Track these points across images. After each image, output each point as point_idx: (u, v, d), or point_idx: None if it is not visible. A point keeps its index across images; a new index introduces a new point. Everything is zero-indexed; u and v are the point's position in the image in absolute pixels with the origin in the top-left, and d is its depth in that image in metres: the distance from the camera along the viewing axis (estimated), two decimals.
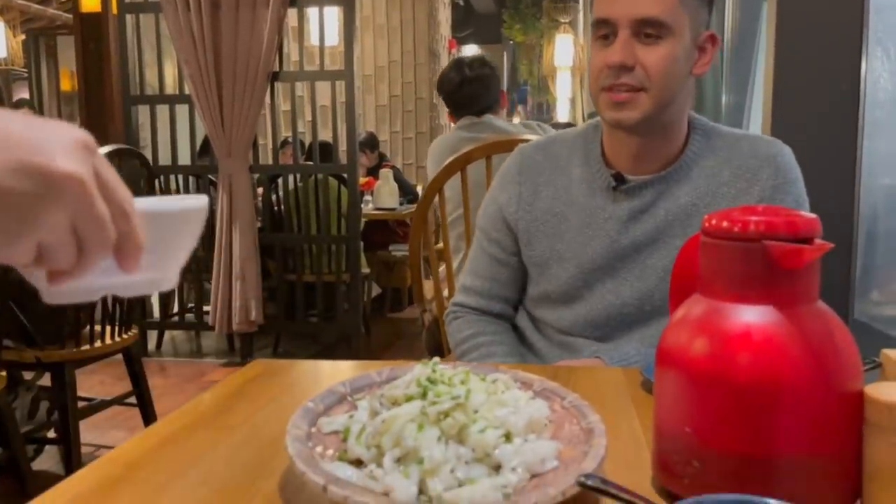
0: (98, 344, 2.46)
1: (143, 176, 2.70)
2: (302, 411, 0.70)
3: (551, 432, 0.69)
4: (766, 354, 0.57)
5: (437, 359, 0.75)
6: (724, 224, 0.61)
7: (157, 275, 0.51)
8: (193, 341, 4.45)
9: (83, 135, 0.43)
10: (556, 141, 1.26)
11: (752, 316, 0.59)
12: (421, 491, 0.61)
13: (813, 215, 0.60)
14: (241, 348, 4.02)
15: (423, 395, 0.66)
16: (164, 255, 0.51)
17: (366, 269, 4.19)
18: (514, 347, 1.25)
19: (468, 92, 2.69)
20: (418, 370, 0.71)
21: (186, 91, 3.85)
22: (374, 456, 0.64)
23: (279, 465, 0.70)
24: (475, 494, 0.59)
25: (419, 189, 5.65)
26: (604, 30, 1.07)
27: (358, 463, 0.65)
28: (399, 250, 4.85)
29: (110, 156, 2.42)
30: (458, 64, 2.78)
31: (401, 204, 4.80)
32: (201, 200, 0.52)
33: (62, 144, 0.41)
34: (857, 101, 1.86)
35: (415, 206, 4.95)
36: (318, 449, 0.66)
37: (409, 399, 0.67)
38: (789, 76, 1.91)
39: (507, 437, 0.65)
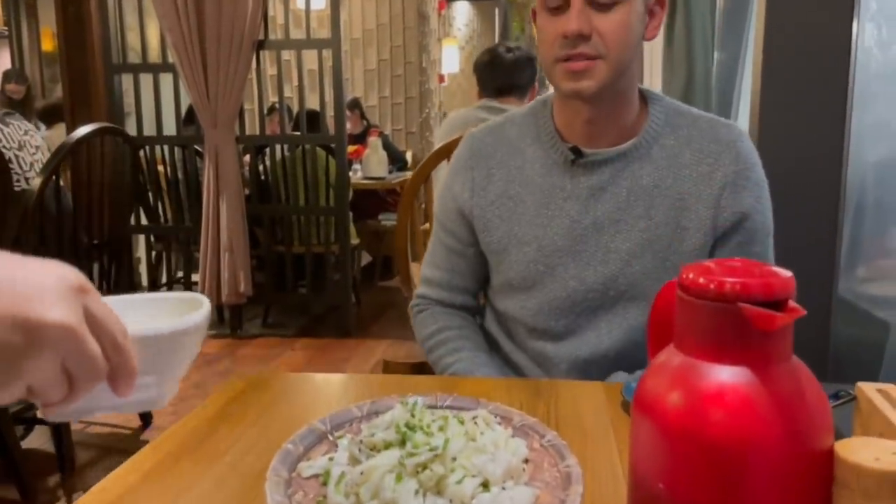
0: None
1: (128, 153, 2.67)
2: (281, 455, 0.71)
3: (529, 474, 0.70)
4: (739, 414, 0.58)
5: (417, 399, 0.76)
6: (701, 281, 0.60)
7: (152, 393, 0.51)
8: None
9: (74, 276, 0.44)
10: (506, 122, 1.23)
11: (725, 375, 0.59)
12: None
13: (788, 274, 0.60)
14: (230, 320, 4.03)
15: (402, 444, 0.67)
16: (160, 374, 0.51)
17: (355, 241, 4.18)
18: (479, 342, 1.25)
19: (497, 73, 2.68)
20: (398, 412, 0.72)
21: (170, 59, 3.78)
22: None
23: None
24: None
25: (408, 155, 5.61)
26: (556, 0, 1.05)
27: None
28: (389, 219, 4.84)
29: (94, 134, 2.39)
30: (498, 46, 2.78)
31: (390, 172, 4.77)
32: (200, 314, 0.52)
33: (52, 291, 0.42)
34: (846, 72, 1.84)
35: (404, 174, 4.93)
36: (298, 496, 0.67)
37: (387, 446, 0.67)
38: (779, 45, 1.88)
39: (485, 485, 0.65)
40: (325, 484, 0.69)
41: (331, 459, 0.71)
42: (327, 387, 1.07)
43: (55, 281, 0.43)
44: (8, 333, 0.40)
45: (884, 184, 2.03)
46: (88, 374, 0.43)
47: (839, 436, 0.82)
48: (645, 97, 1.17)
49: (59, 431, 2.43)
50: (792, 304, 0.58)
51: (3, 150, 2.37)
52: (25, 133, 2.50)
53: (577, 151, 1.13)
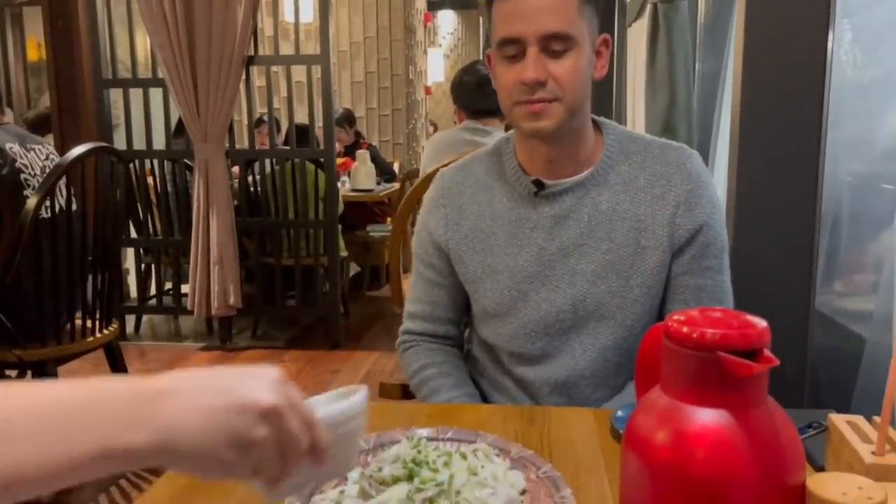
0: (80, 340, 2.48)
1: (121, 172, 2.69)
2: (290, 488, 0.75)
3: None
4: (720, 453, 0.64)
5: (421, 435, 0.81)
6: (684, 330, 0.66)
7: (341, 464, 0.64)
8: (172, 324, 4.47)
9: (276, 372, 0.56)
10: (472, 160, 1.31)
11: (707, 417, 0.65)
12: None
13: (763, 324, 0.66)
14: (220, 331, 4.06)
15: (410, 478, 0.72)
16: (341, 447, 0.62)
17: (344, 253, 4.22)
18: (459, 376, 1.31)
19: (481, 96, 2.71)
20: (404, 448, 0.77)
21: (160, 74, 3.81)
22: None
23: None
24: None
25: (396, 167, 5.66)
26: (512, 49, 1.12)
27: None
28: (377, 231, 4.89)
29: (87, 154, 2.41)
30: (477, 64, 2.82)
31: (378, 184, 4.82)
32: (361, 394, 0.65)
33: (263, 380, 0.55)
34: (822, 88, 1.90)
35: (392, 185, 4.97)
36: None
37: (395, 481, 0.73)
38: (757, 62, 1.93)
39: None
40: None
41: (342, 492, 0.76)
42: None
43: (266, 376, 0.55)
44: (239, 416, 0.51)
45: (859, 199, 2.10)
46: (295, 449, 0.54)
47: (813, 462, 0.89)
48: (599, 127, 1.25)
49: None
50: (766, 353, 0.64)
51: (28, 178, 2.36)
52: (47, 158, 2.48)
53: (538, 184, 1.21)
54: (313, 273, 4.02)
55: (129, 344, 4.01)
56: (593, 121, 1.23)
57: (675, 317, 0.69)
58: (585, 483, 0.84)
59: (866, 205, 2.10)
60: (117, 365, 2.67)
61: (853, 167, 2.08)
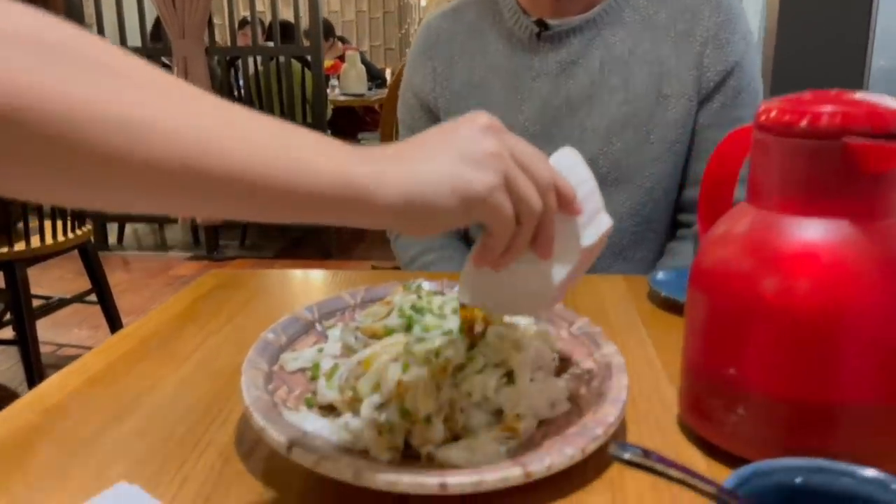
0: (49, 241, 2.31)
1: None
2: (260, 345, 0.58)
3: (560, 366, 0.59)
4: (834, 280, 0.46)
5: (421, 281, 0.63)
6: (788, 117, 0.48)
7: (552, 289, 0.49)
8: (157, 234, 4.29)
9: (486, 118, 0.46)
10: (462, 4, 1.11)
11: (818, 232, 0.47)
12: (407, 446, 0.50)
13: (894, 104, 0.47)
14: (206, 242, 3.88)
15: (408, 328, 0.55)
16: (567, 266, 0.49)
17: None
18: (465, 259, 1.12)
19: None
20: (399, 297, 0.60)
21: None
22: (349, 402, 0.53)
23: (236, 408, 0.59)
24: (473, 450, 0.48)
25: (387, 73, 5.38)
26: None
27: (329, 409, 0.54)
28: (368, 138, 4.65)
29: None
30: None
31: (369, 89, 4.56)
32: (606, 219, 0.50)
33: (476, 128, 0.45)
34: None
35: (383, 90, 4.72)
36: (281, 392, 0.55)
37: (389, 332, 0.55)
38: None
39: (509, 376, 0.54)
40: (313, 378, 0.57)
41: (320, 351, 0.59)
42: (311, 283, 0.94)
43: (476, 123, 0.45)
44: (465, 165, 0.43)
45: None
46: (529, 206, 0.44)
47: None
48: None
49: (28, 354, 2.31)
50: None
51: None
52: None
53: (542, 24, 1.01)
54: None
55: (112, 254, 3.84)
56: None
57: (772, 103, 0.50)
58: (625, 344, 0.67)
59: None
60: (95, 271, 2.51)
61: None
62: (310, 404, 0.54)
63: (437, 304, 0.56)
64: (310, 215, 0.40)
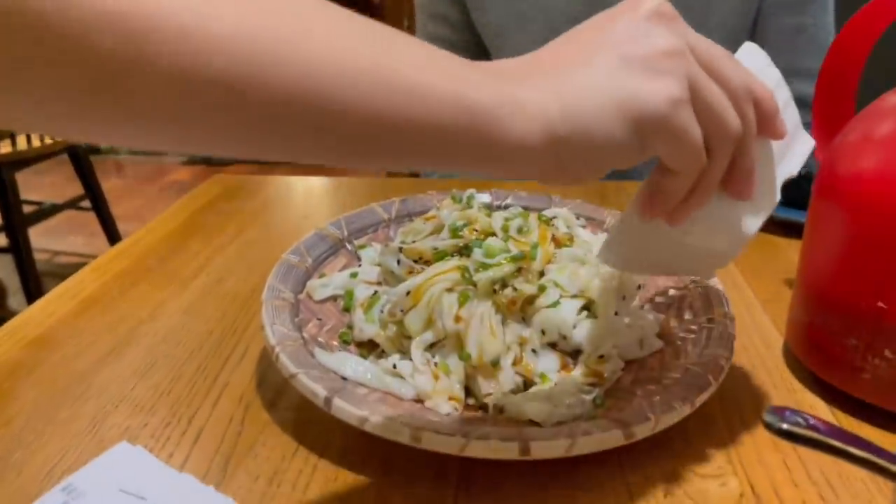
0: (37, 143, 2.18)
1: None
2: (282, 269, 0.48)
3: (643, 297, 0.49)
4: None
5: (472, 192, 0.53)
6: None
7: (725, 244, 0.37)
8: None
9: (653, 1, 0.31)
10: None
11: None
12: (468, 393, 0.41)
13: None
14: None
15: (463, 252, 0.45)
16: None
17: None
18: None
19: None
20: (447, 212, 0.49)
21: None
22: (394, 339, 0.43)
23: (254, 340, 0.49)
24: (552, 401, 0.39)
25: None
26: None
27: (369, 346, 0.45)
28: None
29: None
30: None
31: None
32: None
33: (640, 16, 0.31)
34: None
35: None
36: (311, 327, 0.45)
37: (441, 256, 0.45)
38: None
39: (589, 309, 0.44)
40: (346, 310, 0.48)
41: (353, 276, 0.49)
42: (329, 192, 0.84)
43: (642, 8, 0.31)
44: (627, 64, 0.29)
45: None
46: (716, 123, 0.31)
47: None
48: None
49: (23, 261, 2.22)
50: None
51: None
52: None
53: None
54: None
55: (104, 157, 3.70)
56: None
57: None
58: None
59: None
60: (87, 176, 2.39)
61: None
62: (346, 340, 0.45)
63: (500, 223, 0.45)
64: (412, 156, 0.28)
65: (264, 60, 0.24)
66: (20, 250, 2.20)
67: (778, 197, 0.36)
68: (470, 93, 0.27)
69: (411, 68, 0.26)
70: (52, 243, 2.68)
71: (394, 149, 0.27)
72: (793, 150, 0.36)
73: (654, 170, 0.33)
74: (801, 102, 0.90)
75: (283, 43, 0.24)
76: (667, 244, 0.37)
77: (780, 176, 0.36)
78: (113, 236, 2.33)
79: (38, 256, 2.40)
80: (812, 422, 0.29)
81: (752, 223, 0.36)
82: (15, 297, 2.33)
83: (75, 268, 2.15)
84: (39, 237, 2.57)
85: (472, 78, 0.28)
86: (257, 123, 0.25)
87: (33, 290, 2.27)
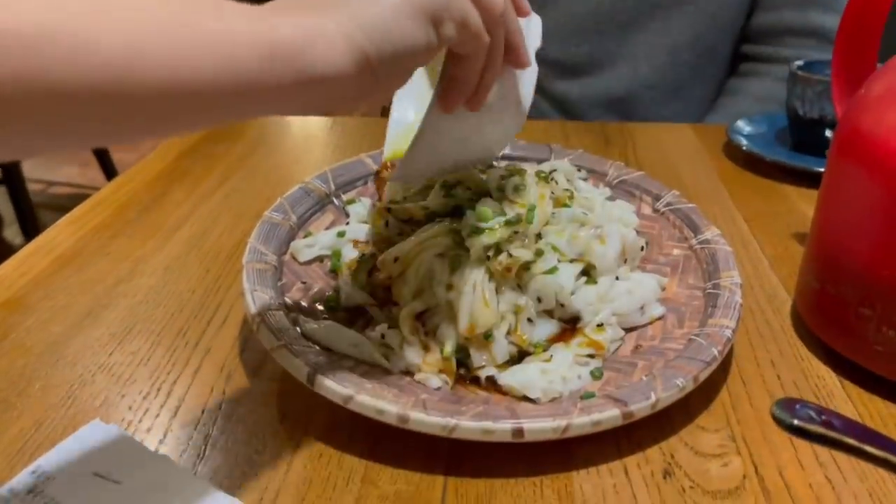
0: None
1: None
2: (264, 228, 0.46)
3: (646, 256, 0.47)
4: None
5: None
6: None
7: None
8: None
9: None
10: None
11: None
12: (461, 364, 0.39)
13: None
14: None
15: (455, 213, 0.42)
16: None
17: None
18: None
19: None
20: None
21: None
22: (383, 307, 0.41)
23: (238, 301, 0.47)
24: (547, 374, 0.37)
25: None
26: None
27: (357, 313, 0.43)
28: None
29: None
30: None
31: None
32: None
33: None
34: None
35: None
36: (295, 291, 0.43)
37: (432, 217, 0.42)
38: None
39: (588, 274, 0.42)
40: (333, 270, 0.45)
41: (341, 235, 0.46)
42: (321, 135, 0.80)
43: None
44: None
45: None
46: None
47: None
48: None
49: (17, 192, 2.19)
50: None
51: None
52: None
53: None
54: None
55: None
56: None
57: None
58: (708, 214, 0.55)
59: None
60: None
61: None
62: (332, 306, 0.43)
63: (494, 182, 0.42)
64: (237, 106, 0.28)
65: (62, 54, 0.23)
66: (14, 181, 2.17)
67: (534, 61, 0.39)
68: (273, 34, 0.28)
69: (210, 21, 0.27)
70: (46, 173, 2.63)
71: (209, 106, 0.27)
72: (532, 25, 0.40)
73: (446, 65, 0.36)
74: (817, 34, 0.85)
75: (100, 24, 0.24)
76: (468, 133, 0.39)
77: (532, 47, 0.39)
78: (107, 166, 2.29)
79: (31, 187, 2.37)
80: (825, 417, 0.27)
81: (527, 90, 0.40)
82: (10, 229, 2.31)
83: (70, 198, 2.13)
84: (32, 168, 2.53)
85: (271, 20, 0.28)
86: (66, 117, 0.24)
87: (29, 222, 2.25)
